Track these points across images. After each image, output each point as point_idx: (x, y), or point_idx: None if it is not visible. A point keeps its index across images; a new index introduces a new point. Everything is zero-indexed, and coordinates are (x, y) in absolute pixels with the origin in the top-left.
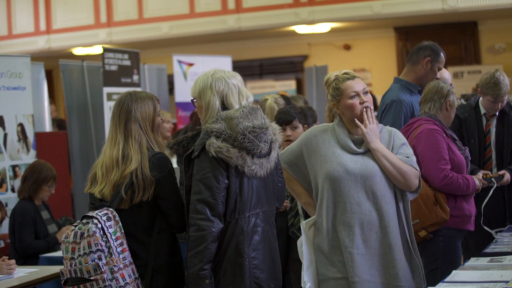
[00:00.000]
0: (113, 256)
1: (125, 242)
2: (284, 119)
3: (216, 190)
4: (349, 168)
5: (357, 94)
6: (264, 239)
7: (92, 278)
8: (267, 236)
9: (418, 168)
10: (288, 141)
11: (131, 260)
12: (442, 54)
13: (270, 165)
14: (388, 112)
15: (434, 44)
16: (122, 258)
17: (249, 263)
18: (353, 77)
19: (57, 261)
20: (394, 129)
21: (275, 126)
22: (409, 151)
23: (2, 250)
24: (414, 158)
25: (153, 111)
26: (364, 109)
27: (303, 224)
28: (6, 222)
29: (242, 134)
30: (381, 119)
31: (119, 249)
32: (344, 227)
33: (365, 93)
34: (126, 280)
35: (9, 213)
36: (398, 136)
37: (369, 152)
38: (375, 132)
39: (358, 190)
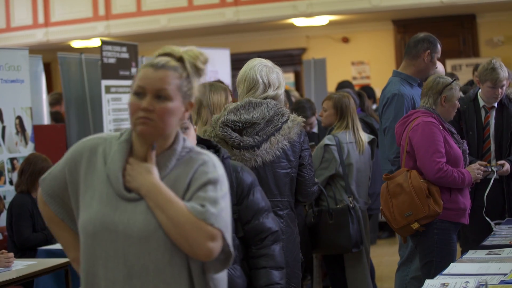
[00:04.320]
0: None
1: None
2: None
3: None
4: (109, 222)
5: (144, 93)
6: None
7: None
8: None
9: (219, 226)
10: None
11: None
12: (438, 45)
13: (260, 158)
14: (390, 105)
15: (430, 36)
16: None
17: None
18: (160, 66)
19: (55, 253)
20: (207, 159)
21: (291, 118)
22: (214, 194)
23: (0, 243)
24: (216, 209)
25: (224, 99)
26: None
27: None
28: (4, 215)
29: (220, 126)
30: (382, 113)
31: None
32: None
33: (159, 97)
34: None
35: (7, 206)
36: (206, 170)
37: None
38: (144, 167)
39: (118, 260)
